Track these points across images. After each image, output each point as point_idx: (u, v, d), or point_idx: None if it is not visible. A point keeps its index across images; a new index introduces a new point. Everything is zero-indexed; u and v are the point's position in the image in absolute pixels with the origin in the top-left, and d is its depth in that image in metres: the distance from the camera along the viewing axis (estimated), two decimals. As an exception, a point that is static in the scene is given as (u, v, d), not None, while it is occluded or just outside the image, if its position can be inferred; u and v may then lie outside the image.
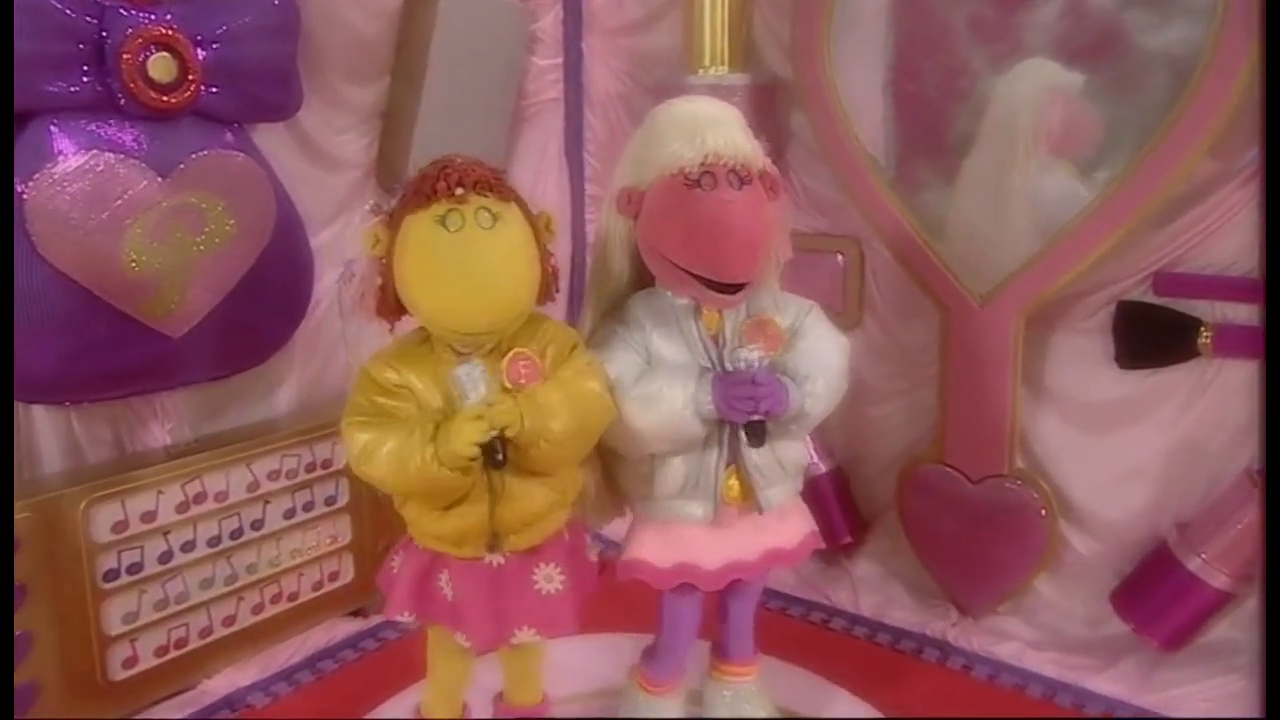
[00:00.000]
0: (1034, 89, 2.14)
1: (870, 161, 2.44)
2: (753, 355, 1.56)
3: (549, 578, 1.60)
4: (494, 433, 1.40)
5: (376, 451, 1.43)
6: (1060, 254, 2.17)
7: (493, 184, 1.45)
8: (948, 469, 2.41)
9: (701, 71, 2.64)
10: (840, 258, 2.66)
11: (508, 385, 1.47)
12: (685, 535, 1.69)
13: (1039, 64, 2.14)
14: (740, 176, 1.52)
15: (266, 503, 2.28)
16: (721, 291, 1.55)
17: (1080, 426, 2.32)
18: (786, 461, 1.68)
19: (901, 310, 2.57)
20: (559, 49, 2.95)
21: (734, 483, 1.65)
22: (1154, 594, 2.18)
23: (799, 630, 2.50)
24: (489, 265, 1.42)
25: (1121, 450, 2.26)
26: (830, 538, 2.68)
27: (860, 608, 2.56)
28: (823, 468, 2.71)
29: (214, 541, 2.19)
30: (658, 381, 1.57)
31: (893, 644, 2.43)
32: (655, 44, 2.85)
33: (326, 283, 2.45)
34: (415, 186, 1.44)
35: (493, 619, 1.58)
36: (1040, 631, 2.36)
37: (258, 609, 2.29)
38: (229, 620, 2.24)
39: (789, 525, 1.76)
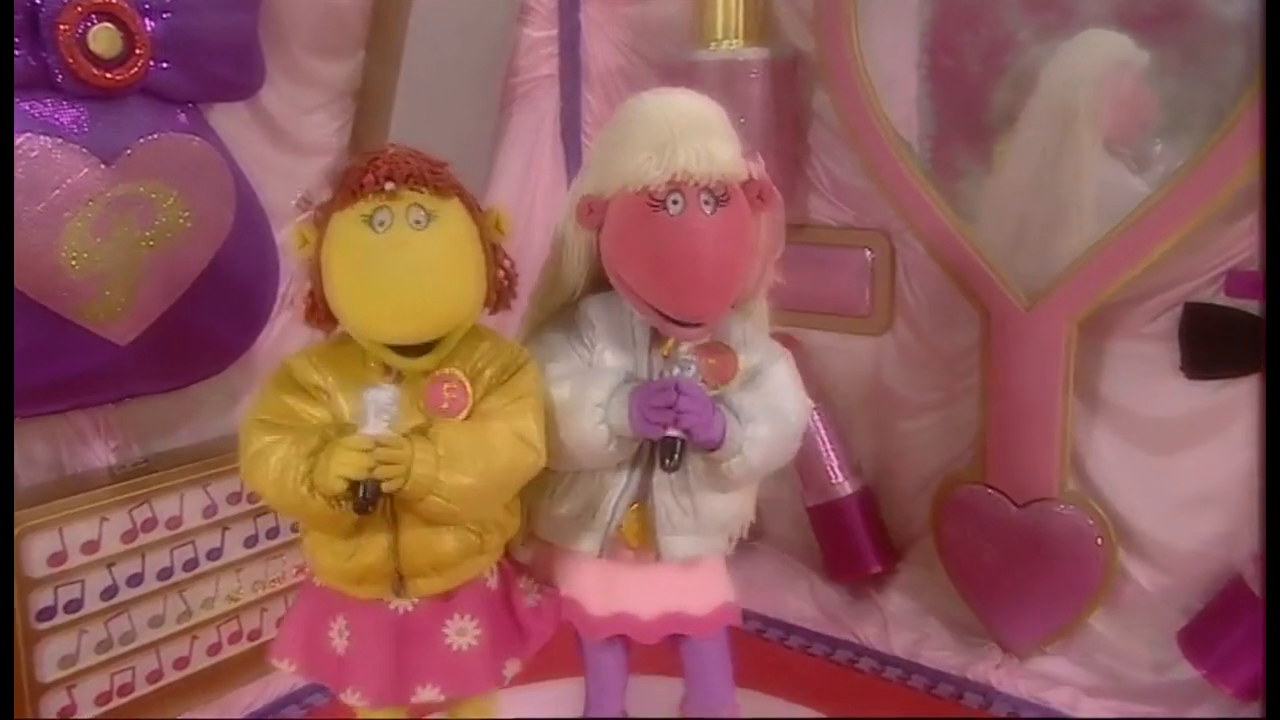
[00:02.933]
0: (1098, 64, 2.11)
1: (902, 146, 2.41)
2: (688, 366, 1.48)
3: (462, 631, 1.54)
4: (371, 474, 1.33)
5: (269, 457, 1.39)
6: (1119, 251, 2.14)
7: (428, 177, 1.41)
8: (990, 491, 2.38)
9: (713, 45, 2.62)
10: (868, 253, 2.64)
11: (424, 413, 1.43)
12: (574, 568, 1.64)
13: (1103, 35, 2.10)
14: (716, 196, 1.44)
15: (225, 529, 2.25)
16: (683, 325, 1.49)
17: (1141, 445, 2.30)
18: (705, 513, 1.58)
19: (937, 313, 2.55)
20: (554, 19, 2.93)
21: (635, 523, 1.57)
22: (1227, 635, 2.14)
23: (823, 671, 2.47)
24: (417, 269, 1.38)
25: (1189, 471, 2.23)
26: (858, 567, 2.70)
27: (892, 646, 2.54)
28: (848, 488, 2.71)
29: (165, 574, 2.16)
30: (573, 382, 1.51)
31: (929, 688, 2.40)
32: (661, 13, 2.83)
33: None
34: (342, 180, 1.42)
35: (391, 672, 1.52)
36: (1097, 676, 2.34)
37: (214, 649, 2.26)
38: (182, 663, 2.21)
39: (697, 588, 1.66)
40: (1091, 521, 2.27)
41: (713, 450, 1.49)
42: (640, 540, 1.58)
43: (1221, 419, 2.18)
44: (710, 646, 1.70)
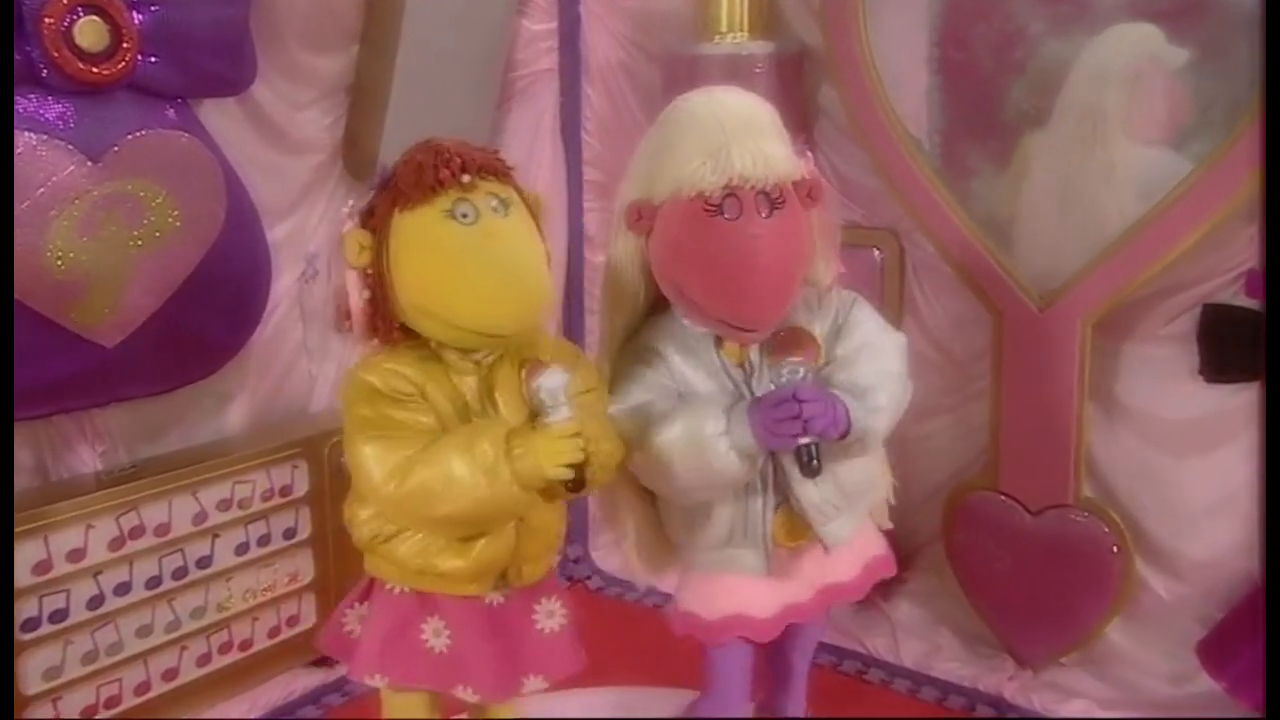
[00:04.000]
0: (1130, 59, 2.10)
1: (911, 142, 2.40)
2: (796, 369, 1.50)
3: (550, 613, 1.60)
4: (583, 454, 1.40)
5: (416, 469, 1.39)
6: (1135, 250, 2.12)
7: (497, 166, 1.46)
8: (1002, 498, 2.37)
9: (717, 39, 2.61)
10: (876, 253, 2.63)
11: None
12: (734, 584, 1.67)
13: (1136, 29, 2.09)
14: (771, 199, 1.47)
15: (215, 536, 2.25)
16: (744, 329, 1.53)
17: (1159, 449, 2.28)
18: (850, 487, 1.64)
19: (948, 314, 2.55)
20: (553, 11, 2.92)
21: (784, 526, 1.63)
22: (1248, 646, 2.11)
23: (829, 683, 2.45)
24: (517, 256, 1.43)
25: (1208, 477, 2.22)
26: (866, 575, 2.66)
27: (901, 657, 2.53)
28: (856, 494, 2.67)
29: (153, 582, 2.16)
30: (683, 420, 1.53)
31: (939, 700, 2.40)
32: (664, 6, 2.82)
33: (285, 283, 2.42)
34: (412, 179, 1.41)
35: (500, 664, 1.55)
36: (1113, 688, 2.33)
37: (204, 660, 2.26)
38: (170, 674, 2.20)
39: (846, 554, 1.73)
40: (1107, 529, 2.26)
41: (844, 438, 1.53)
42: (794, 538, 1.64)
43: (1240, 423, 2.15)
44: (811, 636, 1.84)
